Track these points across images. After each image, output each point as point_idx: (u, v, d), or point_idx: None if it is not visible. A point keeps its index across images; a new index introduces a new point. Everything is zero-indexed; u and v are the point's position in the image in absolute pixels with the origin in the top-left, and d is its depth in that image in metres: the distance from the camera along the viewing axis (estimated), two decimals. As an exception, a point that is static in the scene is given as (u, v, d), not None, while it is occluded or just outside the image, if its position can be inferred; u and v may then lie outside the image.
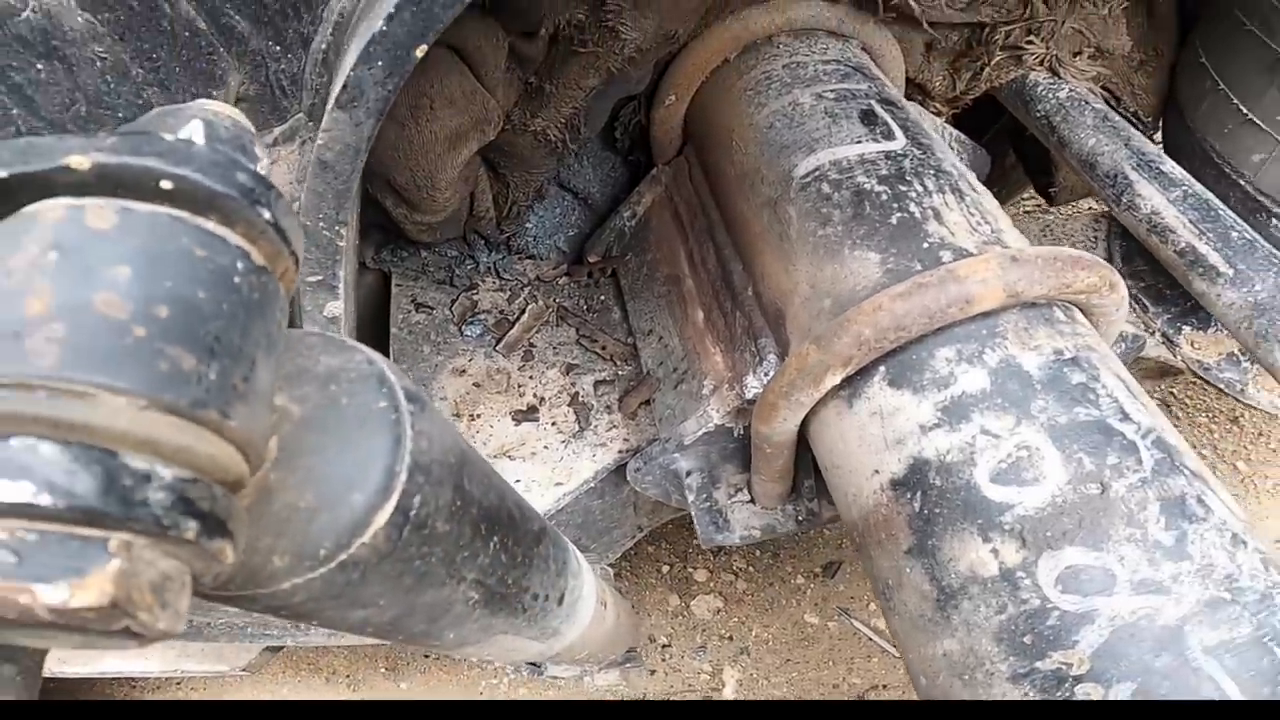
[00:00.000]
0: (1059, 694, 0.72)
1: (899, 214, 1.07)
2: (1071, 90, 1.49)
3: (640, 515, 1.62)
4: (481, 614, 0.68)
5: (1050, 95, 1.49)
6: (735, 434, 1.24)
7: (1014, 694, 0.75)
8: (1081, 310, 1.02)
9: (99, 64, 0.74)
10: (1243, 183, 1.38)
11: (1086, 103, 1.46)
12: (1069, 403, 0.86)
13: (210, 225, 0.41)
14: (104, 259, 0.37)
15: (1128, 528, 0.77)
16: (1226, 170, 1.41)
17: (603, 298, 1.63)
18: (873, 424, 0.95)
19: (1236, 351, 1.59)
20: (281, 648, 1.83)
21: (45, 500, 0.32)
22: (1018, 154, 1.93)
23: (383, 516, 0.48)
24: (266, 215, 0.43)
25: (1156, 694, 0.69)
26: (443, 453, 0.55)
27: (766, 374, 1.15)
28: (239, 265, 0.42)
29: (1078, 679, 0.72)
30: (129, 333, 0.35)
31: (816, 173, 1.16)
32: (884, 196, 1.09)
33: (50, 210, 0.38)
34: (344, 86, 0.73)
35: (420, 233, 1.50)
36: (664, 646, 2.24)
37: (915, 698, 2.06)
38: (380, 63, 0.72)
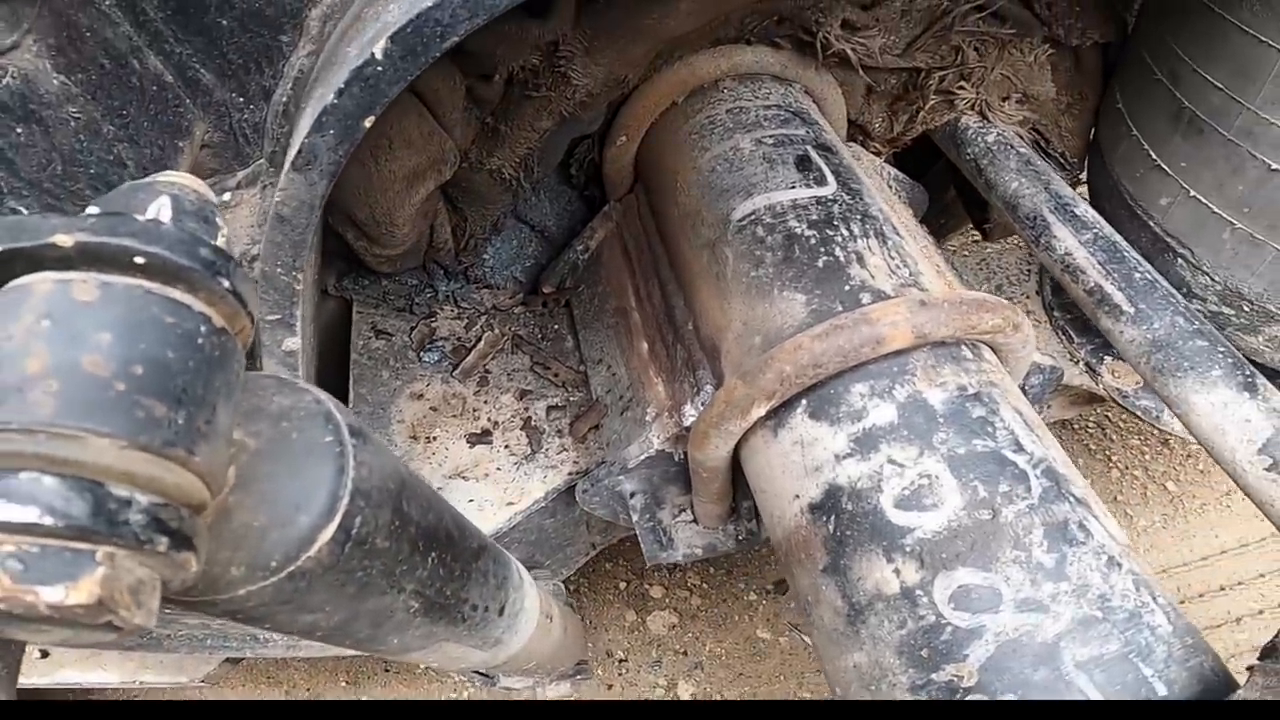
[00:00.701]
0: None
1: (825, 257, 1.15)
2: (999, 134, 1.59)
3: (593, 533, 1.69)
4: (422, 622, 0.76)
5: (979, 139, 1.59)
6: (675, 459, 1.31)
7: None
8: (990, 348, 1.11)
9: (73, 124, 0.80)
10: (1152, 224, 1.49)
11: (1011, 147, 1.56)
12: (968, 435, 0.94)
13: (177, 294, 0.49)
14: (89, 326, 0.44)
15: (1014, 550, 0.85)
16: (1138, 212, 1.51)
17: (556, 327, 1.70)
18: (794, 452, 1.02)
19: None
20: (241, 659, 1.87)
21: (47, 520, 0.41)
22: (957, 190, 2.03)
23: (327, 534, 0.55)
24: (225, 284, 0.51)
25: (1032, 705, 0.76)
26: (382, 479, 0.63)
27: (703, 404, 1.22)
28: (202, 328, 0.49)
29: (967, 690, 0.79)
30: (111, 387, 0.43)
31: (752, 216, 1.24)
32: (812, 240, 1.17)
33: (41, 283, 0.45)
34: (299, 151, 0.79)
35: (380, 264, 1.56)
36: (620, 661, 2.30)
37: None
38: (332, 131, 0.78)
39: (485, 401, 1.60)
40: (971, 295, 1.04)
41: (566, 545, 1.66)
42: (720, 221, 1.27)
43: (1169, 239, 1.47)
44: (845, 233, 1.19)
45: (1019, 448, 0.94)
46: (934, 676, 0.82)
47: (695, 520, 1.41)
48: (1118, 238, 1.36)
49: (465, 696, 2.21)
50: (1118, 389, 1.71)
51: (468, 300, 1.73)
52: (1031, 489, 0.90)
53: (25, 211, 0.88)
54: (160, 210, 0.54)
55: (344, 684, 2.24)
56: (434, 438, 1.54)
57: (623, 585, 2.41)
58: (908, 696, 0.83)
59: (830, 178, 1.30)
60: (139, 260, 0.47)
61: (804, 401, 1.04)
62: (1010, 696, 0.78)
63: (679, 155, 1.41)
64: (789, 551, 1.03)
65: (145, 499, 0.44)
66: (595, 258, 1.62)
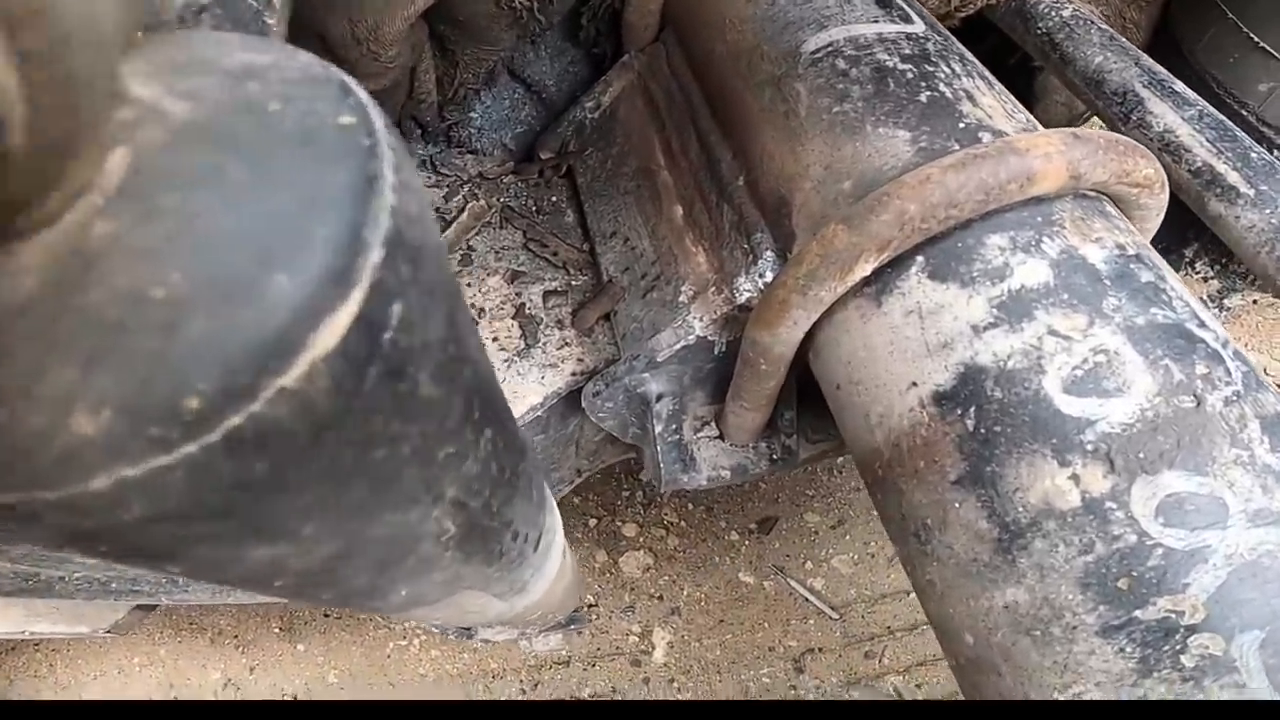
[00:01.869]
0: (1165, 648, 0.60)
1: (928, 92, 0.93)
2: (1075, 10, 1.39)
3: (580, 457, 1.46)
4: (454, 557, 0.46)
5: (1053, 14, 1.39)
6: (717, 350, 1.09)
7: (1105, 650, 0.63)
8: (1122, 208, 0.91)
9: None
10: (1246, 113, 1.31)
11: (1092, 22, 1.36)
12: (1143, 302, 0.74)
13: None
14: None
15: (1233, 448, 0.65)
16: (1229, 100, 1.33)
17: (554, 199, 1.45)
18: (909, 325, 0.81)
19: (1206, 298, 1.53)
20: (155, 607, 1.59)
21: None
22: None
23: (335, 328, 0.25)
24: None
25: (1289, 635, 0.57)
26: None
27: (762, 274, 1.00)
28: None
29: (1191, 629, 0.60)
30: None
31: (830, 48, 1.01)
32: (909, 75, 0.95)
33: None
34: None
35: (350, 104, 1.28)
36: (590, 606, 2.10)
37: (856, 663, 1.95)
38: None
39: (468, 284, 1.34)
40: (1124, 138, 0.83)
41: (553, 469, 1.44)
42: (788, 55, 1.04)
43: (1265, 128, 1.30)
44: (947, 70, 0.97)
45: (1201, 323, 0.75)
46: (1139, 614, 0.62)
47: (721, 435, 1.20)
48: (1223, 116, 1.18)
49: (415, 646, 1.97)
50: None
51: (449, 166, 1.47)
52: (1231, 372, 0.70)
53: None
54: None
55: (277, 630, 1.98)
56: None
57: (592, 522, 2.20)
58: (1096, 641, 0.64)
59: (915, 17, 1.08)
60: None
61: (919, 258, 0.82)
62: (1254, 633, 0.58)
63: (728, -12, 1.17)
64: (896, 461, 0.82)
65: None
66: (609, 115, 1.38)
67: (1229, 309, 1.46)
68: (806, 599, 2.13)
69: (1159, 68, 1.27)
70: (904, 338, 0.82)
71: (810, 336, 0.93)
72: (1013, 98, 0.99)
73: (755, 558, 2.19)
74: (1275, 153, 1.29)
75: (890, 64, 0.97)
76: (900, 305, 0.83)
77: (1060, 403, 0.71)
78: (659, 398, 1.17)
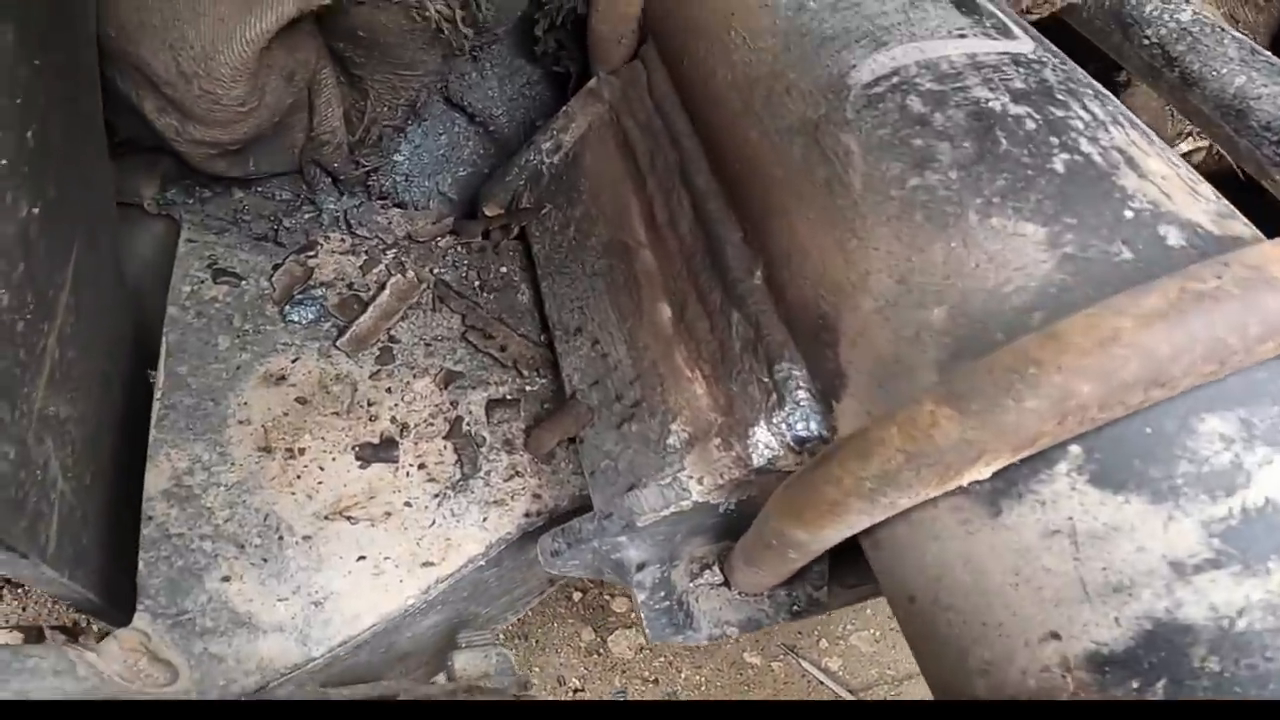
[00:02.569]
0: None
1: (1064, 154, 0.58)
2: (1196, 12, 1.04)
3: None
4: None
5: (1167, 17, 1.04)
6: (722, 510, 0.75)
7: None
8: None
9: None
10: None
11: (1224, 30, 1.01)
12: None
13: None
14: None
15: None
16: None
17: (504, 270, 1.09)
18: (1051, 552, 0.47)
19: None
20: None
21: None
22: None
23: None
24: None
25: None
26: None
27: (792, 425, 0.66)
28: None
29: None
30: None
31: (896, 79, 0.66)
32: (1030, 124, 0.60)
33: None
34: None
35: (213, 160, 0.93)
36: (575, 691, 1.82)
37: None
38: None
39: (389, 390, 1.00)
40: None
41: (515, 589, 1.11)
42: (829, 89, 0.69)
43: None
44: (1084, 114, 0.62)
45: None
46: None
47: (727, 583, 0.87)
48: None
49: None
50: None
51: (367, 225, 1.11)
52: None
53: None
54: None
55: None
56: (301, 450, 0.94)
57: (578, 596, 1.91)
58: None
59: (1017, 30, 0.73)
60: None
61: (1074, 449, 0.48)
62: None
63: (732, -14, 0.82)
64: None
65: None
66: (572, 161, 1.03)
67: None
68: (820, 681, 1.84)
69: (1329, 92, 0.92)
70: (1041, 569, 0.48)
71: (871, 526, 0.59)
72: (1177, 155, 0.64)
73: (762, 635, 1.90)
74: None
75: (996, 105, 0.62)
76: (1037, 520, 0.48)
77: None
78: (640, 566, 0.83)
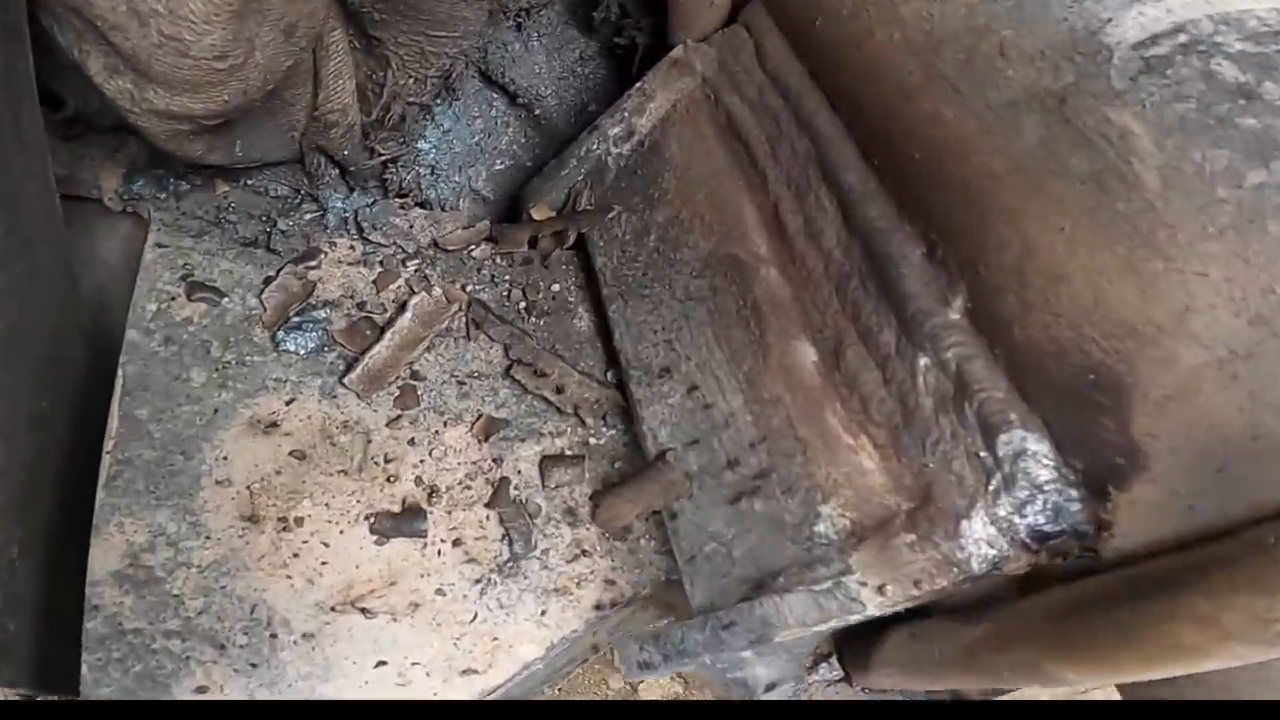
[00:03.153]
0: None
1: None
2: None
3: (598, 635, 0.92)
4: None
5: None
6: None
7: None
8: None
9: None
10: None
11: None
12: None
13: None
14: None
15: None
16: None
17: (556, 289, 0.88)
18: None
19: None
20: None
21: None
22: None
23: None
24: None
25: None
26: None
27: (1030, 516, 0.45)
28: None
29: None
30: None
31: (1183, 36, 0.46)
32: None
33: None
34: None
35: (185, 141, 0.71)
36: None
37: None
38: None
39: (412, 442, 0.79)
40: None
41: (559, 665, 0.90)
42: (1074, 48, 0.49)
43: None
44: None
45: None
46: None
47: (847, 678, 0.68)
48: None
49: None
50: None
51: (383, 228, 0.90)
52: None
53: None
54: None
55: None
56: (299, 521, 0.73)
57: (614, 687, 1.69)
58: None
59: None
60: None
61: None
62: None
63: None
64: None
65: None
66: (650, 150, 0.81)
67: None
68: None
69: None
70: None
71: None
72: None
73: None
74: None
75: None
76: None
77: None
78: (771, 686, 0.63)
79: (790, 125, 0.67)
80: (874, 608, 0.52)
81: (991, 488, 0.48)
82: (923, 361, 0.52)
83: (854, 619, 0.53)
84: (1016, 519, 0.47)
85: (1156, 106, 0.45)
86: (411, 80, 0.81)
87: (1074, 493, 0.46)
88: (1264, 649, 0.35)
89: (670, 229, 0.75)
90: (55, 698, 0.75)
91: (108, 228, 0.95)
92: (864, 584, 0.52)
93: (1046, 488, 0.47)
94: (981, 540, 0.48)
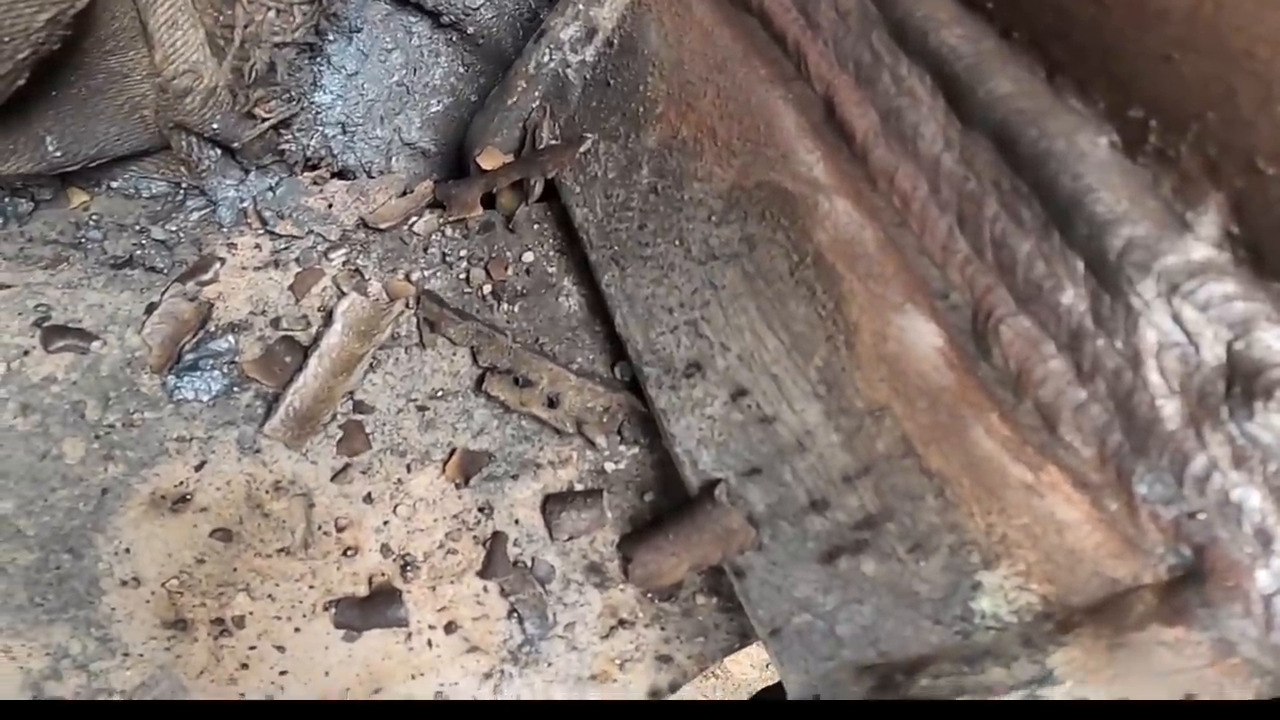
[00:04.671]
0: None
1: None
2: None
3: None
4: None
5: None
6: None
7: None
8: None
9: None
10: None
11: None
12: None
13: None
14: None
15: None
16: None
17: (530, 259, 0.66)
18: None
19: None
20: None
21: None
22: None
23: None
24: None
25: None
26: None
27: None
28: None
29: None
30: None
31: None
32: None
33: None
34: None
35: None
36: None
37: None
38: None
39: (368, 499, 0.58)
40: None
41: None
42: None
43: None
44: None
45: None
46: None
47: None
48: None
49: None
50: None
51: (293, 215, 0.68)
52: None
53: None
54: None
55: None
56: (237, 621, 0.54)
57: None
58: None
59: None
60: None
61: None
62: None
63: None
64: None
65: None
66: (622, 48, 0.58)
67: None
68: None
69: None
70: None
71: None
72: None
73: None
74: None
75: None
76: None
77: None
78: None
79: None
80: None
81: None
82: (1150, 335, 0.30)
83: None
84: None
85: None
86: (271, 13, 0.57)
87: None
88: None
89: (669, 157, 0.52)
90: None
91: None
92: (1070, 678, 0.32)
93: None
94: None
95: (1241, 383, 0.28)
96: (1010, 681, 0.34)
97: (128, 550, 0.58)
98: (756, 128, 0.46)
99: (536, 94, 0.62)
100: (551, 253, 0.66)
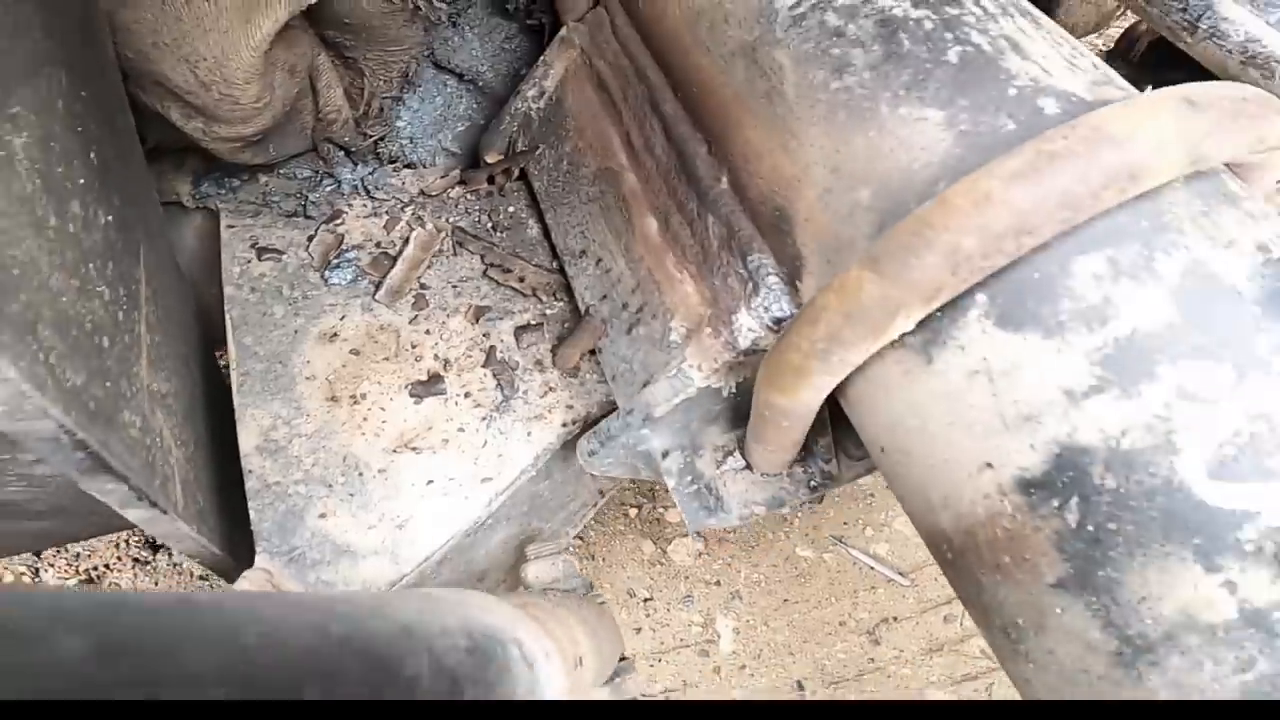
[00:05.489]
0: None
1: (958, 47, 0.69)
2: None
3: (598, 480, 1.28)
4: None
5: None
6: (725, 393, 0.88)
7: None
8: (1239, 172, 0.67)
9: None
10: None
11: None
12: (1310, 332, 0.52)
13: None
14: None
15: None
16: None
17: (512, 210, 1.22)
18: (974, 390, 0.59)
19: None
20: None
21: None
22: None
23: None
24: None
25: None
26: None
27: (768, 307, 0.78)
28: None
29: None
30: None
31: (813, 1, 0.76)
32: (928, 25, 0.71)
33: None
34: None
35: (237, 153, 1.05)
36: (646, 600, 1.94)
37: (935, 629, 1.76)
38: None
39: (427, 332, 1.13)
40: (1250, 91, 0.59)
41: (569, 502, 1.26)
42: (759, 14, 0.79)
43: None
44: (975, 10, 0.72)
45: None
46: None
47: (749, 466, 1.00)
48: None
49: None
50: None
51: (383, 188, 1.24)
52: None
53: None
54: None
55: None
56: (362, 396, 1.08)
57: (633, 512, 2.03)
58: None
59: (922, -68, 0.82)
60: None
61: (980, 297, 0.60)
62: None
63: (672, -71, 0.91)
64: (968, 551, 0.61)
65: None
66: (556, 103, 1.13)
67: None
68: (872, 567, 1.96)
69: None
70: (968, 406, 0.60)
71: (841, 388, 0.72)
72: (1066, 34, 0.74)
73: (811, 529, 2.01)
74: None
75: (899, 12, 0.72)
76: (959, 363, 0.61)
77: (1204, 491, 0.51)
78: (665, 453, 0.97)
79: (633, 76, 0.99)
80: (699, 381, 0.83)
81: (748, 293, 0.80)
82: (710, 219, 0.85)
83: (690, 391, 0.85)
84: (762, 311, 0.80)
85: (795, 46, 0.76)
86: (381, 81, 1.14)
87: (787, 289, 0.78)
88: (822, 364, 0.63)
89: (573, 156, 1.08)
90: (231, 559, 1.10)
91: (187, 222, 1.31)
92: (692, 366, 0.86)
93: (775, 288, 0.78)
94: (745, 327, 0.80)
95: (730, 235, 0.83)
96: (674, 365, 0.88)
97: (308, 362, 1.13)
98: (603, 143, 1.01)
99: (515, 123, 1.18)
100: (523, 207, 1.21)
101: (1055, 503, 0.55)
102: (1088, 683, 0.56)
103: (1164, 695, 0.52)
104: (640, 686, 1.25)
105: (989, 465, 0.59)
